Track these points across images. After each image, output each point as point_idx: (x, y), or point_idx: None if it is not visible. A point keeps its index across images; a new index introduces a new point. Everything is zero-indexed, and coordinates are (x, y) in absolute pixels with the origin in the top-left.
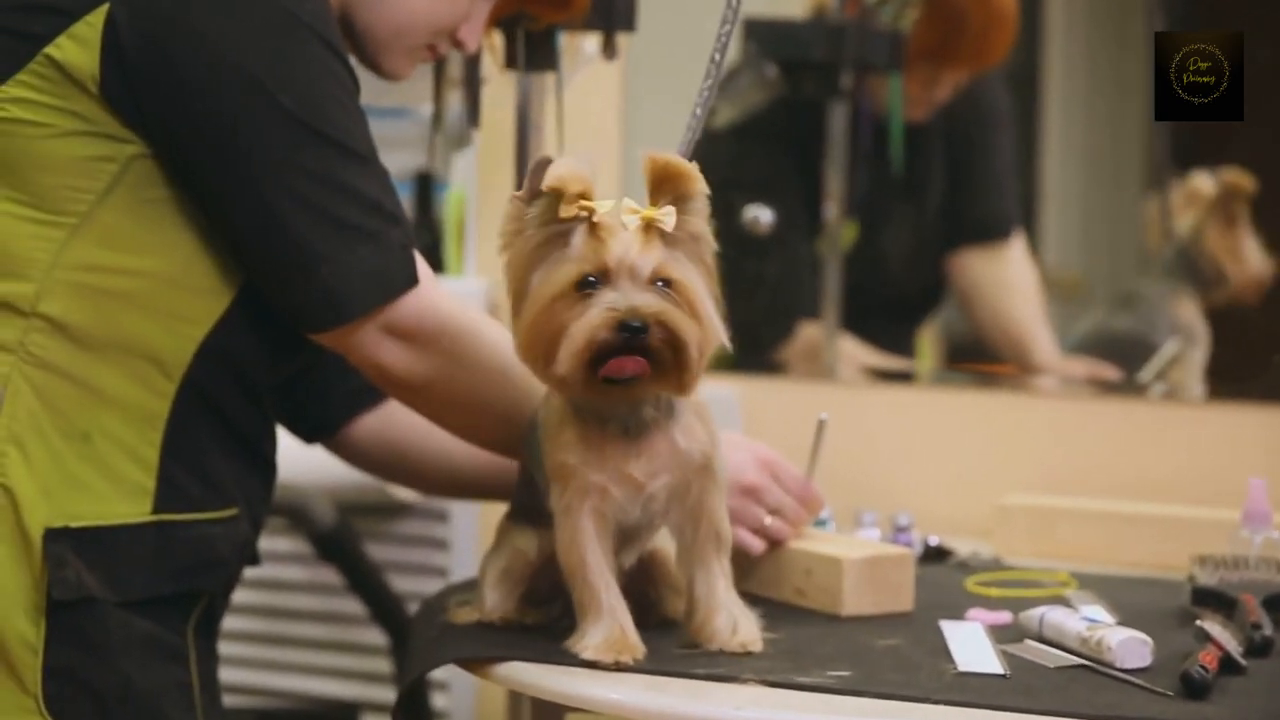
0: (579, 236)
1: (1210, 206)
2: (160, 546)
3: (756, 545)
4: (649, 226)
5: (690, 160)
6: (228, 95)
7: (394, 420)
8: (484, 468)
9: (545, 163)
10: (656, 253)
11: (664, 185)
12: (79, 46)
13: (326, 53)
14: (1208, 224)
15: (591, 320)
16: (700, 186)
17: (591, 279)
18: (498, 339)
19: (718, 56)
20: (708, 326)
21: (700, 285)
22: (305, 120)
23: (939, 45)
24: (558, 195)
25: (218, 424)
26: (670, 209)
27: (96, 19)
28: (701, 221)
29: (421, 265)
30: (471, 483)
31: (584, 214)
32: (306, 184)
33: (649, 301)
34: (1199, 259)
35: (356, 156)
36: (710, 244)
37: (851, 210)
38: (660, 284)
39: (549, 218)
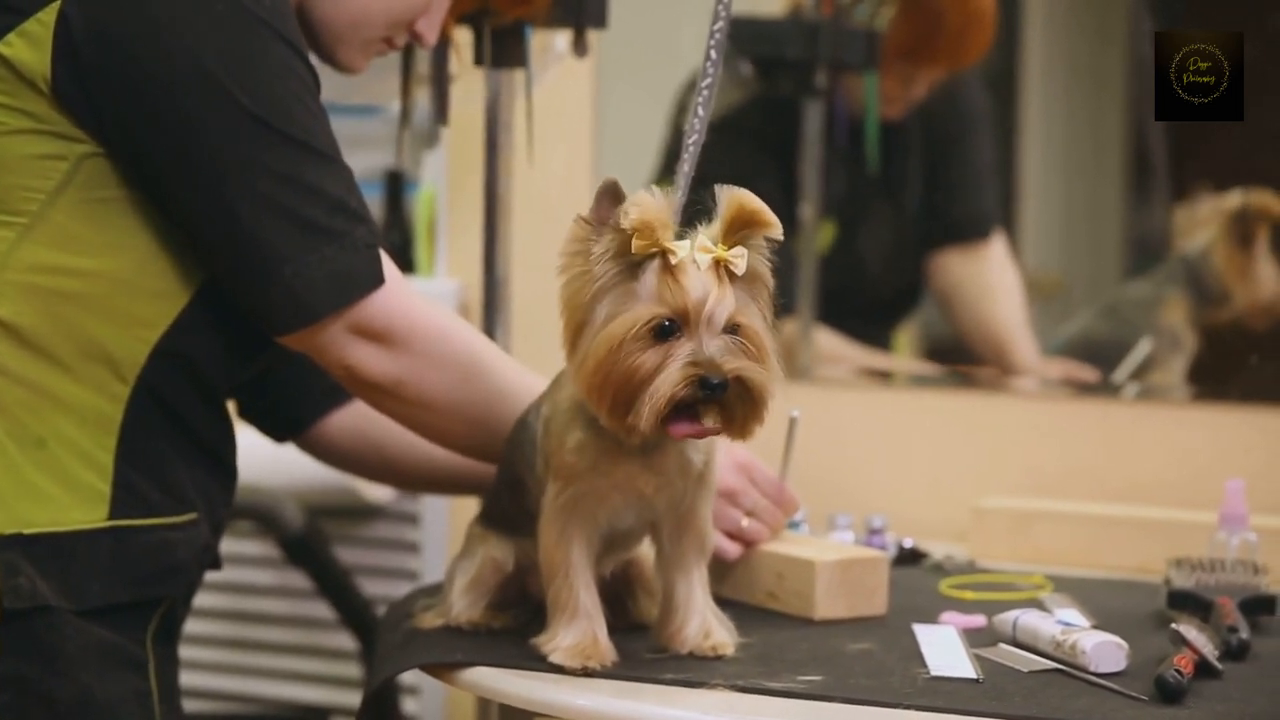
0: (652, 275)
1: (1227, 225)
2: (117, 553)
3: (733, 550)
4: (719, 265)
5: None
6: (186, 95)
7: (370, 414)
8: (464, 460)
9: (614, 186)
10: (730, 298)
11: (741, 226)
12: (30, 45)
13: (286, 50)
14: (1221, 242)
15: (673, 377)
16: (776, 233)
17: (668, 323)
18: (469, 338)
19: (714, 54)
20: (773, 373)
21: (765, 330)
22: (266, 119)
23: (916, 44)
24: (634, 222)
25: (174, 427)
26: (743, 251)
27: (48, 16)
28: (765, 262)
29: (389, 265)
30: (452, 476)
31: (657, 251)
32: (268, 183)
33: (727, 356)
34: (1205, 275)
35: (319, 155)
36: (770, 285)
37: (828, 210)
38: (731, 330)
39: (621, 251)
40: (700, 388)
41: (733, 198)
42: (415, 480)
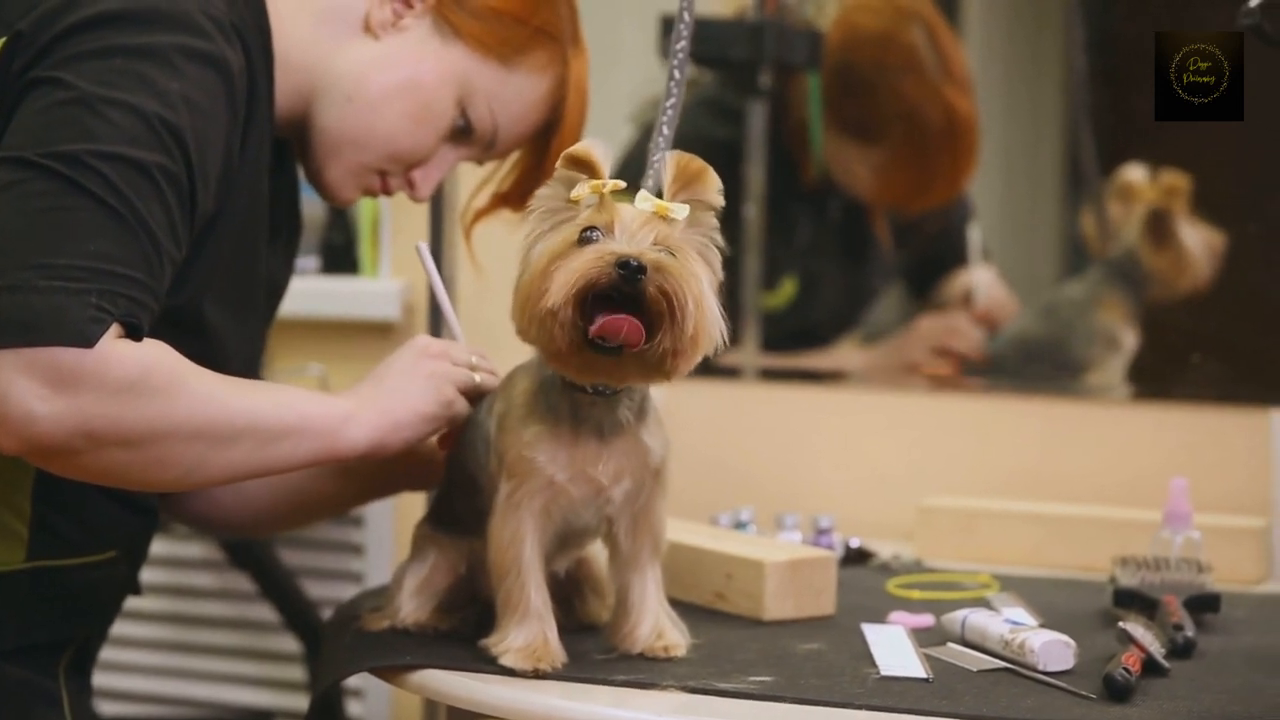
0: (586, 209)
1: (1145, 218)
2: (34, 593)
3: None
4: (659, 215)
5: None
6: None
7: None
8: (280, 489)
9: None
10: (663, 226)
11: (686, 183)
12: None
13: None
14: (1144, 237)
15: (586, 256)
16: (715, 196)
17: (594, 233)
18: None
19: (677, 74)
20: (705, 310)
21: (701, 273)
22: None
23: (911, 192)
24: (573, 172)
25: None
26: (684, 207)
27: None
28: (711, 231)
29: (130, 347)
30: (271, 511)
31: (595, 195)
32: (44, 201)
33: (649, 251)
34: (1139, 272)
35: (129, 225)
36: (716, 255)
37: (770, 211)
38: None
39: (558, 204)
40: (617, 267)
41: (675, 157)
42: (282, 512)
